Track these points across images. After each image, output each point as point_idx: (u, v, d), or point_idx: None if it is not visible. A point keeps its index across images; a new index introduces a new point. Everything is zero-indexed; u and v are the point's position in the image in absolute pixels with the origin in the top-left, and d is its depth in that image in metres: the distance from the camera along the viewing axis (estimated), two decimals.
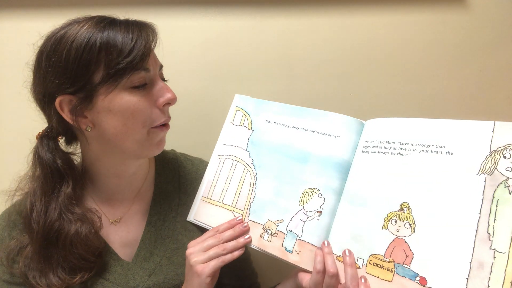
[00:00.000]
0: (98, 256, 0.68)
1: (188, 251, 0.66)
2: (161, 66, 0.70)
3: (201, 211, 0.76)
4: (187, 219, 0.77)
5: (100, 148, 0.68)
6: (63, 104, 0.62)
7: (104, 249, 0.70)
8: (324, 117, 0.70)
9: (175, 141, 0.86)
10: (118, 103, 0.62)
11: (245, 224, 0.70)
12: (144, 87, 0.64)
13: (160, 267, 0.73)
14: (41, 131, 0.69)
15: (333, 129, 0.68)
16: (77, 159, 0.73)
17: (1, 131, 0.98)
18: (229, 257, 0.66)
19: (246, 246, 0.69)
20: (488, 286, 0.46)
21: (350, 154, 0.67)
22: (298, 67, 0.96)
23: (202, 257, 0.64)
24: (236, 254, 0.67)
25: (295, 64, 0.96)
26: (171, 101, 0.67)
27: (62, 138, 0.70)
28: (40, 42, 0.63)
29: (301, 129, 0.71)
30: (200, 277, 0.63)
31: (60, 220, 0.64)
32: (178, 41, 0.95)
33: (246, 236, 0.69)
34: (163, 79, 0.71)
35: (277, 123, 0.74)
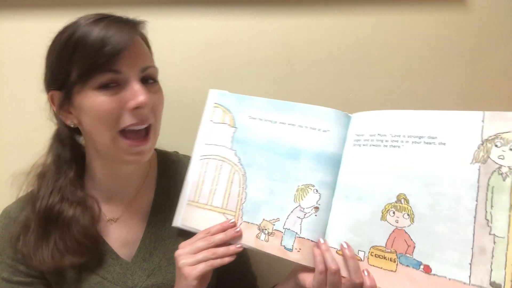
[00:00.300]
0: (92, 243, 0.69)
1: (177, 252, 0.65)
2: (146, 67, 0.66)
3: (189, 216, 0.73)
4: (173, 225, 0.74)
5: (91, 145, 0.70)
6: (54, 99, 0.67)
7: (100, 245, 0.71)
8: (311, 111, 0.69)
9: (175, 141, 0.85)
10: (86, 102, 0.62)
11: (238, 229, 0.68)
12: (115, 87, 0.62)
13: (159, 268, 0.73)
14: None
15: (322, 123, 0.68)
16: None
17: (1, 131, 0.98)
18: (218, 262, 0.64)
19: (245, 248, 0.69)
20: (491, 270, 0.49)
21: (340, 148, 0.67)
22: (298, 67, 0.96)
23: (190, 260, 0.63)
24: (226, 260, 0.65)
25: (295, 64, 0.96)
26: (141, 105, 0.63)
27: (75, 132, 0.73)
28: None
29: (289, 124, 0.70)
30: (187, 279, 0.62)
31: (61, 202, 0.68)
32: (178, 41, 0.95)
33: (238, 245, 0.67)
34: (152, 79, 0.68)
35: (262, 119, 0.73)
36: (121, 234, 0.74)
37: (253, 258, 0.89)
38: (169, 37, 0.94)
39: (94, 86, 0.61)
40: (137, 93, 0.62)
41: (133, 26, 0.65)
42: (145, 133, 0.67)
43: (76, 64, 0.61)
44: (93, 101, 0.62)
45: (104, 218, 0.74)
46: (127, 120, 0.63)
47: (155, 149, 0.84)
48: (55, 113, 0.70)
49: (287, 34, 0.95)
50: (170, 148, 0.87)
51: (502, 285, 0.48)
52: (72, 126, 0.68)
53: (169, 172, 0.81)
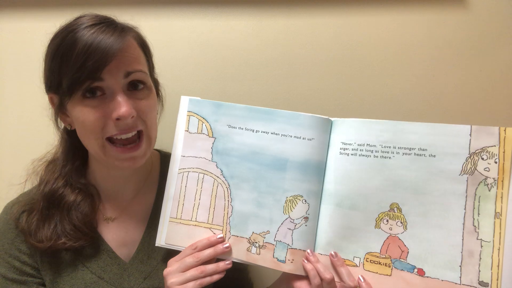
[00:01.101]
0: (89, 230, 0.69)
1: (166, 271, 0.64)
2: (130, 72, 0.63)
3: (172, 233, 0.69)
4: (156, 244, 0.70)
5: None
6: (53, 101, 0.68)
7: (97, 243, 0.71)
8: (294, 118, 0.67)
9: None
10: (74, 111, 0.63)
11: (227, 244, 0.67)
12: (100, 97, 0.62)
13: (156, 271, 0.72)
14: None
15: (306, 131, 0.67)
16: None
17: (1, 130, 0.97)
18: (207, 280, 0.64)
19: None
20: (479, 270, 0.56)
21: (324, 155, 0.67)
22: (298, 67, 0.95)
23: (179, 279, 0.62)
24: (215, 277, 0.65)
25: (295, 64, 0.95)
26: (122, 118, 0.62)
27: None
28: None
29: (272, 133, 0.68)
30: None
31: (65, 187, 0.71)
32: (178, 41, 0.94)
33: (227, 261, 0.66)
34: (140, 83, 0.66)
35: (242, 128, 0.69)
36: (119, 234, 0.73)
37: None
38: (169, 37, 0.94)
39: (79, 94, 0.61)
40: (119, 105, 0.62)
41: (122, 33, 0.63)
42: (137, 139, 0.67)
43: (64, 75, 0.61)
44: (79, 111, 0.62)
45: (102, 217, 0.74)
46: (111, 130, 0.63)
47: (158, 151, 0.84)
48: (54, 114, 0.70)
49: (287, 34, 0.94)
50: (168, 148, 0.82)
51: (490, 283, 0.55)
52: (69, 128, 0.69)
53: None
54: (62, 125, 0.72)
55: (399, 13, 0.94)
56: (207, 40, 0.95)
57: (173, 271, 0.63)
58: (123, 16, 0.66)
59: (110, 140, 0.65)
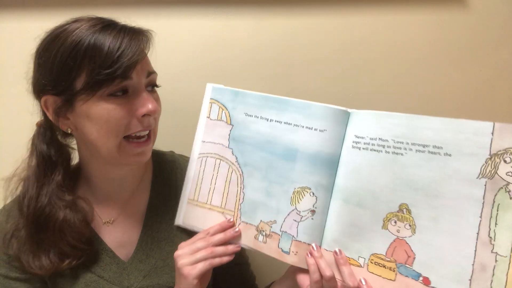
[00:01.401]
0: (88, 245, 0.69)
1: (176, 253, 0.65)
2: (151, 73, 0.66)
3: (189, 214, 0.73)
4: (175, 223, 0.74)
5: (87, 150, 0.69)
6: (48, 104, 0.64)
7: (96, 245, 0.71)
8: (307, 109, 0.65)
9: (174, 142, 0.85)
10: (94, 110, 0.61)
11: (237, 229, 0.68)
12: (124, 96, 0.62)
13: (155, 269, 0.73)
14: (40, 120, 0.70)
15: (319, 122, 0.64)
16: (73, 152, 0.74)
17: (1, 130, 0.98)
18: (217, 261, 0.65)
19: (244, 249, 0.68)
20: (491, 287, 0.49)
21: (338, 148, 0.64)
22: (298, 67, 0.95)
23: (190, 260, 0.64)
24: (225, 259, 0.66)
25: (295, 64, 0.95)
26: (151, 113, 0.64)
27: (58, 134, 0.71)
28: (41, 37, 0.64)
29: (284, 123, 0.67)
30: (187, 279, 0.63)
31: (49, 206, 0.66)
32: (178, 41, 0.95)
33: (236, 244, 0.68)
34: (155, 85, 0.69)
35: (258, 117, 0.69)
36: (117, 235, 0.74)
37: (252, 258, 0.90)
38: (169, 37, 0.94)
39: (105, 94, 0.60)
40: (146, 101, 0.63)
41: (145, 37, 0.64)
42: (147, 136, 0.68)
43: (85, 73, 0.59)
44: (103, 109, 0.61)
45: (100, 221, 0.73)
46: (135, 127, 0.64)
47: None
48: (46, 117, 0.67)
49: (287, 34, 0.94)
50: (170, 146, 0.87)
51: None
52: (68, 132, 0.67)
53: (164, 173, 0.80)
54: (44, 133, 0.69)
55: (399, 13, 0.91)
56: (207, 40, 0.95)
57: (183, 253, 0.65)
58: (123, 16, 0.67)
59: (125, 138, 0.65)
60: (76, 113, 0.63)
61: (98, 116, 0.61)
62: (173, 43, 0.94)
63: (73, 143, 0.73)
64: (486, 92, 0.93)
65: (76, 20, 0.62)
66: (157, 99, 0.69)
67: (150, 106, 0.63)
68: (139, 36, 0.63)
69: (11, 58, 0.94)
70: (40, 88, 0.64)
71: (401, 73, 0.93)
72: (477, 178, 0.51)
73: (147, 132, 0.66)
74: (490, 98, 0.92)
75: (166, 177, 0.79)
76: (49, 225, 0.66)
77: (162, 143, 0.78)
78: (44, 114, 0.67)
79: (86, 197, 0.71)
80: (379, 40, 0.93)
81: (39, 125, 0.69)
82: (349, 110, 0.64)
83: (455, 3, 0.90)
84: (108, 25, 0.61)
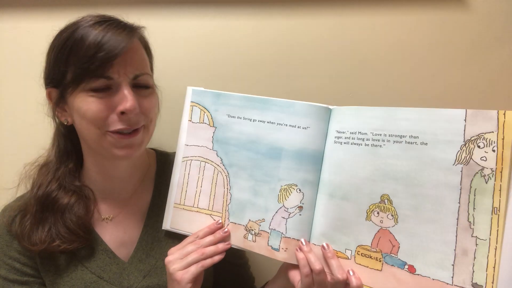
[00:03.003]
0: (83, 232, 0.70)
1: (167, 259, 0.66)
2: (138, 75, 0.66)
3: (177, 219, 0.73)
4: (163, 228, 0.74)
5: (84, 143, 0.72)
6: (51, 96, 0.69)
7: (96, 244, 0.72)
8: (289, 107, 0.66)
9: (174, 141, 0.82)
10: (77, 103, 0.64)
11: (226, 230, 0.69)
12: (105, 91, 0.63)
13: (155, 269, 0.73)
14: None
15: (301, 120, 0.65)
16: None
17: (1, 130, 0.98)
18: (209, 262, 0.65)
19: (242, 251, 0.69)
20: (473, 271, 0.50)
21: (322, 144, 0.65)
22: (298, 67, 0.95)
23: (181, 264, 0.64)
24: (217, 258, 0.66)
25: (295, 64, 0.95)
26: (127, 111, 0.63)
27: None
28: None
29: (268, 122, 0.68)
30: (180, 284, 0.62)
31: (58, 190, 0.71)
32: (178, 41, 0.95)
33: (226, 242, 0.68)
34: (145, 86, 0.68)
35: (241, 118, 0.70)
36: (118, 234, 0.74)
37: (251, 259, 0.91)
38: (169, 37, 0.94)
39: (85, 88, 0.62)
40: (125, 98, 0.63)
41: (130, 32, 0.64)
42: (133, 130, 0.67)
43: (70, 67, 0.62)
44: (83, 102, 0.63)
45: (99, 217, 0.74)
46: (115, 125, 0.64)
47: (154, 150, 0.85)
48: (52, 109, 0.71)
49: (287, 34, 0.94)
50: (170, 147, 0.87)
51: (484, 286, 0.49)
52: (66, 123, 0.69)
53: (167, 173, 0.79)
54: (61, 128, 0.73)
55: (399, 13, 0.91)
56: (207, 40, 0.95)
57: (174, 259, 0.65)
58: (123, 16, 0.68)
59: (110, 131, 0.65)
60: (68, 105, 0.66)
61: (79, 108, 0.64)
62: (173, 43, 0.95)
63: None
64: (486, 92, 0.91)
65: (82, 18, 0.65)
66: (148, 96, 0.68)
67: (127, 104, 0.63)
68: (123, 32, 0.63)
69: (11, 58, 0.95)
70: (44, 81, 0.69)
71: (401, 73, 0.93)
72: (453, 165, 0.52)
73: (130, 131, 0.66)
74: (490, 98, 0.92)
75: (169, 177, 0.77)
76: (54, 206, 0.70)
77: (162, 143, 0.79)
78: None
79: (90, 188, 0.74)
80: (379, 40, 0.93)
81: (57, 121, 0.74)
82: (330, 106, 0.65)
83: (455, 3, 0.90)
84: (102, 22, 0.63)
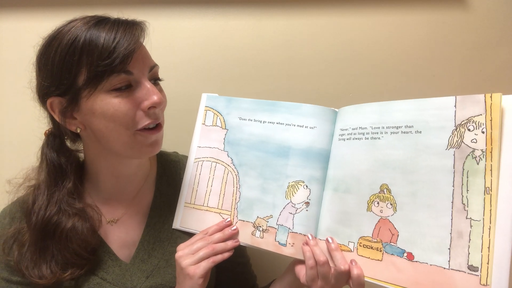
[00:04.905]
0: (92, 254, 0.68)
1: (177, 254, 0.67)
2: (153, 67, 0.67)
3: (187, 218, 0.76)
4: (173, 227, 0.77)
5: (96, 148, 0.69)
6: (54, 106, 0.64)
7: (99, 248, 0.71)
8: (297, 109, 0.71)
9: (175, 142, 0.86)
10: (99, 106, 0.61)
11: (234, 227, 0.71)
12: (127, 89, 0.62)
13: (158, 269, 0.73)
14: (48, 128, 0.70)
15: (309, 120, 0.70)
16: (82, 156, 0.75)
17: (2, 131, 0.98)
18: (219, 258, 0.66)
19: (244, 249, 0.71)
20: (469, 253, 0.50)
21: (328, 143, 0.69)
22: (298, 67, 0.96)
23: (192, 259, 0.65)
24: (226, 255, 0.68)
25: (295, 64, 0.96)
26: (156, 105, 0.64)
27: (67, 139, 0.71)
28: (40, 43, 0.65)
29: (277, 123, 0.72)
30: (193, 278, 0.63)
31: (59, 214, 0.66)
32: (178, 41, 0.96)
33: (235, 240, 0.70)
34: (158, 79, 0.69)
35: (251, 120, 0.75)
36: (120, 235, 0.74)
37: (253, 257, 0.91)
38: (169, 37, 0.95)
39: (106, 89, 0.61)
40: (151, 93, 0.63)
41: (138, 27, 0.64)
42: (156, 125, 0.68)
43: (84, 68, 0.59)
44: (107, 104, 0.61)
45: (104, 220, 0.73)
46: (143, 121, 0.64)
47: None
48: (54, 120, 0.67)
49: (287, 34, 0.95)
50: (171, 147, 0.88)
51: (479, 268, 0.49)
52: (77, 131, 0.67)
53: (168, 173, 0.81)
54: (54, 141, 0.68)
55: (399, 13, 0.93)
56: (207, 40, 0.96)
57: (185, 254, 0.66)
58: (122, 17, 0.67)
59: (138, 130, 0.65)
60: (82, 111, 0.63)
61: (103, 111, 0.61)
62: (173, 43, 0.96)
63: (82, 146, 0.74)
64: (486, 92, 0.88)
65: (70, 21, 0.63)
66: (162, 91, 0.69)
67: (155, 97, 0.63)
68: (133, 26, 0.63)
69: (11, 58, 0.95)
70: (44, 92, 0.64)
71: (401, 73, 0.94)
72: (446, 149, 0.54)
73: (155, 124, 0.67)
74: None
75: (170, 177, 0.81)
76: (56, 232, 0.65)
77: (163, 143, 0.79)
78: (52, 119, 0.68)
79: (94, 204, 0.72)
80: (379, 40, 0.94)
81: (48, 134, 0.70)
82: (336, 109, 0.70)
83: (455, 3, 0.91)
84: (102, 20, 0.62)
